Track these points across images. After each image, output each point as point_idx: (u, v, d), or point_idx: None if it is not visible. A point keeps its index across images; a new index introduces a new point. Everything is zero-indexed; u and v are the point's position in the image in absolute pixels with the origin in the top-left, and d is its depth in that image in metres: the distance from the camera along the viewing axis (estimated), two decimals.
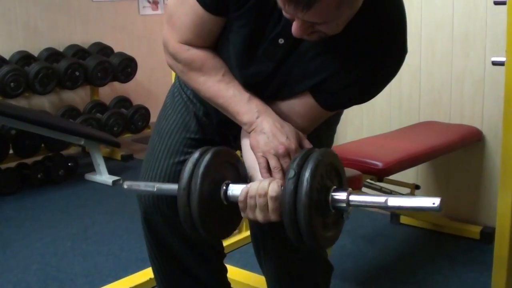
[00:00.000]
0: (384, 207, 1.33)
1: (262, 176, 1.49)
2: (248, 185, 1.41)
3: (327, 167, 1.36)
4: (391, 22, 1.46)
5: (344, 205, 1.35)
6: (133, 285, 2.70)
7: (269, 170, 1.49)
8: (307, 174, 1.30)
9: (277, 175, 1.48)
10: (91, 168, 4.59)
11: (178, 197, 1.41)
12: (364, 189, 2.79)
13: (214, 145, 1.77)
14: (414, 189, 3.25)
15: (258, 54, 1.50)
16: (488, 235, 3.10)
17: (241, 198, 1.41)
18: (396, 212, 3.36)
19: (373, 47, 1.44)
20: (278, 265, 1.81)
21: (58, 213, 3.86)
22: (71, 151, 5.00)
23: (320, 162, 1.32)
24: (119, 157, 5.11)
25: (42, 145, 4.58)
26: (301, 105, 1.56)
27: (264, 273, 1.91)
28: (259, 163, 1.51)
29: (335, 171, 1.41)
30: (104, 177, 4.49)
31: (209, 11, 1.49)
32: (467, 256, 3.03)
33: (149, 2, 5.98)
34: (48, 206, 4.00)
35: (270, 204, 1.38)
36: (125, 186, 1.57)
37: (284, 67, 1.51)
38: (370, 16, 1.40)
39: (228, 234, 1.56)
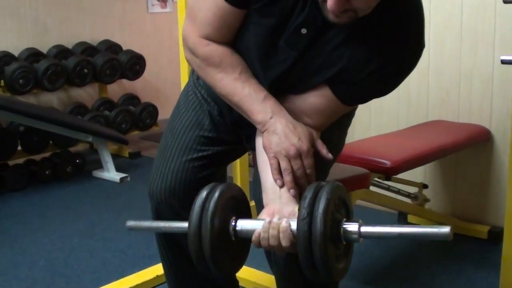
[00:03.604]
0: (395, 237, 1.37)
1: (273, 178, 1.51)
2: (257, 230, 1.42)
3: (336, 201, 1.38)
4: (409, 15, 1.47)
5: (356, 236, 1.37)
6: (139, 282, 2.71)
7: (280, 171, 1.51)
8: (319, 215, 1.31)
9: (287, 177, 1.49)
10: (99, 165, 4.60)
11: (189, 240, 1.41)
12: (371, 188, 2.78)
13: (227, 144, 1.80)
14: (422, 188, 3.24)
15: (280, 44, 1.51)
16: (496, 235, 3.08)
17: (255, 245, 1.43)
18: (403, 211, 3.35)
19: (392, 39, 1.46)
20: (288, 263, 1.81)
21: (65, 210, 3.87)
22: (79, 148, 5.01)
23: (330, 200, 1.34)
24: (126, 154, 5.12)
25: (50, 141, 4.59)
26: (318, 98, 1.56)
27: (274, 271, 1.91)
28: (270, 164, 1.52)
29: (343, 203, 1.42)
30: (111, 174, 4.50)
31: (231, 3, 1.50)
32: (474, 256, 3.02)
33: (158, 0, 5.99)
34: (55, 202, 4.01)
35: (288, 250, 1.40)
36: (128, 226, 1.57)
37: (305, 58, 1.51)
38: (390, 8, 1.42)
39: (238, 269, 1.57)
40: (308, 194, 1.36)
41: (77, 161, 4.59)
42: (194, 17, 1.59)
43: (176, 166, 1.77)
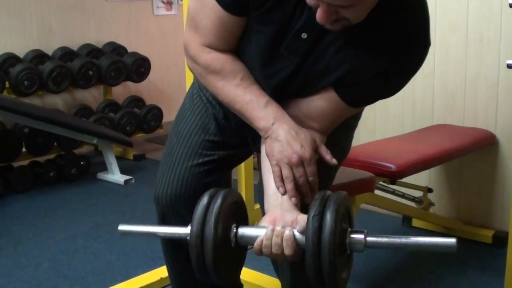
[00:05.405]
0: (400, 247, 1.38)
1: (275, 185, 1.50)
2: (259, 238, 1.40)
3: (343, 210, 1.37)
4: (413, 13, 1.45)
5: (362, 246, 1.36)
6: (143, 284, 2.71)
7: (282, 179, 1.49)
8: (330, 213, 1.31)
9: (289, 185, 1.48)
10: (103, 167, 4.60)
11: (190, 245, 1.39)
12: (376, 192, 2.78)
13: (233, 148, 1.79)
14: (426, 192, 3.24)
15: (282, 51, 1.50)
16: (500, 240, 3.08)
17: (256, 253, 1.41)
18: (407, 215, 3.34)
19: (396, 38, 1.44)
20: (294, 270, 1.80)
21: (70, 212, 3.87)
22: (84, 150, 5.02)
23: (340, 204, 1.34)
24: (131, 157, 5.12)
25: (55, 143, 4.59)
26: (324, 101, 1.55)
27: (279, 276, 1.90)
28: (273, 171, 1.51)
29: (347, 214, 1.42)
30: (116, 176, 4.50)
31: (230, 12, 1.49)
32: (479, 261, 3.02)
33: (163, 2, 6.00)
34: (60, 204, 4.01)
35: (290, 259, 1.39)
36: (120, 230, 1.53)
37: (307, 63, 1.50)
38: (392, 7, 1.41)
39: (236, 276, 1.55)
40: (319, 197, 1.36)
41: (82, 163, 4.59)
42: (195, 26, 1.58)
43: (182, 171, 1.76)
